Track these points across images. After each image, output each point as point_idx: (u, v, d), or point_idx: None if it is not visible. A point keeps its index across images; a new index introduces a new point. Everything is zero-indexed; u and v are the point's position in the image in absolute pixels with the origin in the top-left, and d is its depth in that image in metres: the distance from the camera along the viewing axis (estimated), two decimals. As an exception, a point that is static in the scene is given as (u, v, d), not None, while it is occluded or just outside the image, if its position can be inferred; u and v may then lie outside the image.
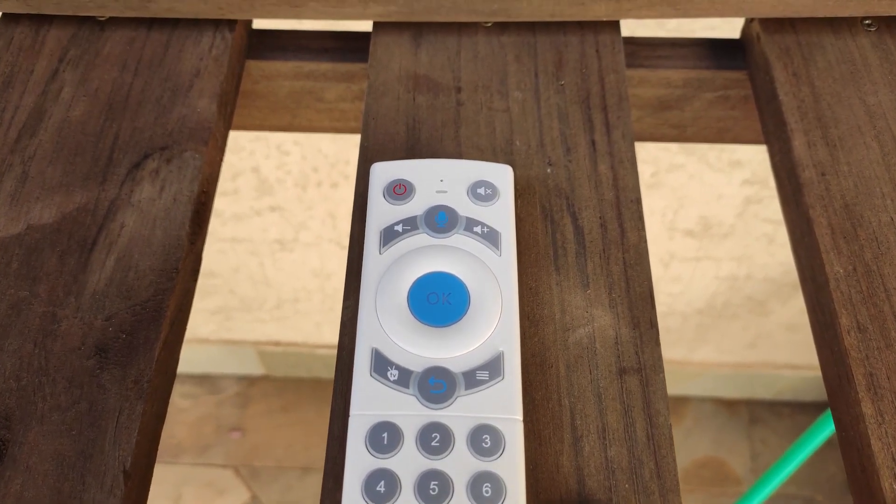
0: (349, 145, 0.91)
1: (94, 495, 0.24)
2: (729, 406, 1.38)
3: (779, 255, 1.07)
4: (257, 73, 0.37)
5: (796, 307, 1.16)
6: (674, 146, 0.89)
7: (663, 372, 0.26)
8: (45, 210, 0.30)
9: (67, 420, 0.25)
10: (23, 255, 0.28)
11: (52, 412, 0.25)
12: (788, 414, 1.37)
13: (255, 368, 1.43)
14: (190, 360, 1.41)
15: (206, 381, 1.47)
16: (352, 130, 0.41)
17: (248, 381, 1.47)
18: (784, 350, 1.27)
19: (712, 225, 1.02)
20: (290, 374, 1.43)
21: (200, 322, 1.32)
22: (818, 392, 1.32)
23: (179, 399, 1.45)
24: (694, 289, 1.14)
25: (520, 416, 0.23)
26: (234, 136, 0.91)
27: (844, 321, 0.26)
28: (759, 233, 1.03)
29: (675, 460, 0.24)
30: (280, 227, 1.08)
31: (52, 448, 0.25)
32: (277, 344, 1.36)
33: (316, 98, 0.39)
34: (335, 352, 0.26)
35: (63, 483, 0.24)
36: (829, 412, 0.99)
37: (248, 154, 0.94)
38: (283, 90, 0.38)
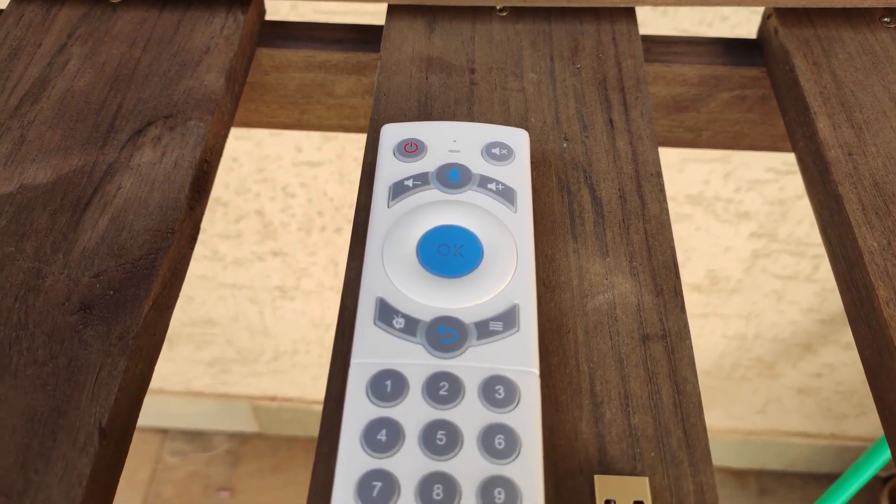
0: (356, 189, 0.91)
1: (65, 452, 0.21)
2: (737, 476, 1.33)
3: (788, 313, 1.04)
4: (268, 63, 0.37)
5: (807, 370, 1.13)
6: (680, 195, 0.88)
7: (690, 339, 0.24)
8: (39, 171, 0.28)
9: (43, 375, 0.23)
10: (12, 213, 0.27)
11: (27, 366, 0.23)
12: (800, 486, 1.32)
13: (248, 425, 1.38)
14: (181, 414, 1.37)
15: (196, 437, 1.42)
16: (361, 129, 0.40)
17: (241, 438, 1.42)
18: (795, 416, 1.22)
19: (720, 279, 1.00)
20: (284, 431, 1.38)
21: (195, 374, 1.29)
22: (831, 463, 1.27)
23: (168, 456, 1.40)
24: (701, 347, 1.11)
25: (536, 370, 0.21)
26: (240, 176, 0.91)
27: (882, 293, 0.25)
28: (767, 289, 1.01)
29: (705, 430, 0.22)
30: (282, 273, 1.06)
31: (23, 403, 0.22)
32: (273, 399, 1.32)
33: (326, 93, 0.38)
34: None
35: (32, 439, 0.22)
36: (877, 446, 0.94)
37: (254, 196, 0.94)
38: (294, 82, 0.38)
